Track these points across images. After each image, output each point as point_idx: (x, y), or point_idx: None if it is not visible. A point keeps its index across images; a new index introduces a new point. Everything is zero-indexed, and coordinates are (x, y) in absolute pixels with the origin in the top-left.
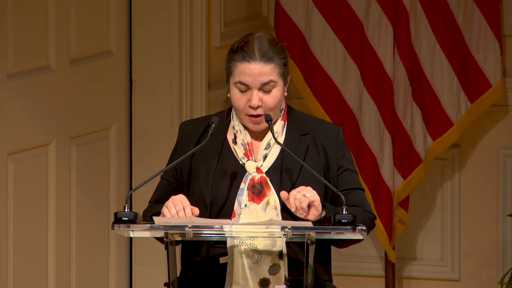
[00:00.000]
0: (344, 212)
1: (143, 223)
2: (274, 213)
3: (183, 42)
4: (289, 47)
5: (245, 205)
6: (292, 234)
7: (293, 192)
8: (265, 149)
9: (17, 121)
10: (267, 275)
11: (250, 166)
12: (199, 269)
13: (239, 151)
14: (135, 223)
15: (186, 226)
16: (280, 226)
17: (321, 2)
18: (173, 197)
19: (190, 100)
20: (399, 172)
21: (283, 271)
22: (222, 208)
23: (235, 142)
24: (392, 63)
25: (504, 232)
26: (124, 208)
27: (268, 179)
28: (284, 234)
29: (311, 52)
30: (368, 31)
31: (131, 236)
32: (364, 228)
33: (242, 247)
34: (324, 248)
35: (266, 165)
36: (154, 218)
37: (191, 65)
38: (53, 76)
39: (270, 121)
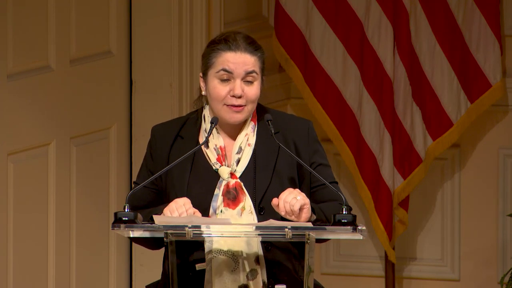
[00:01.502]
0: (344, 212)
1: (143, 223)
2: (250, 218)
3: (183, 42)
4: (289, 47)
5: (221, 211)
6: (292, 234)
7: (283, 195)
8: (237, 153)
9: (17, 121)
10: (245, 281)
11: (223, 171)
12: (178, 274)
13: (211, 156)
14: (135, 223)
15: (186, 226)
16: (254, 227)
17: (321, 2)
18: (176, 200)
19: (190, 100)
20: (399, 172)
21: (261, 276)
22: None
23: (207, 146)
24: (392, 63)
25: (504, 232)
26: (124, 208)
27: (242, 184)
28: (283, 234)
29: (311, 52)
30: (368, 31)
31: (131, 236)
32: (364, 228)
33: (219, 255)
34: (302, 244)
35: (240, 169)
36: (154, 217)
37: (191, 65)
38: (53, 76)
39: (270, 121)
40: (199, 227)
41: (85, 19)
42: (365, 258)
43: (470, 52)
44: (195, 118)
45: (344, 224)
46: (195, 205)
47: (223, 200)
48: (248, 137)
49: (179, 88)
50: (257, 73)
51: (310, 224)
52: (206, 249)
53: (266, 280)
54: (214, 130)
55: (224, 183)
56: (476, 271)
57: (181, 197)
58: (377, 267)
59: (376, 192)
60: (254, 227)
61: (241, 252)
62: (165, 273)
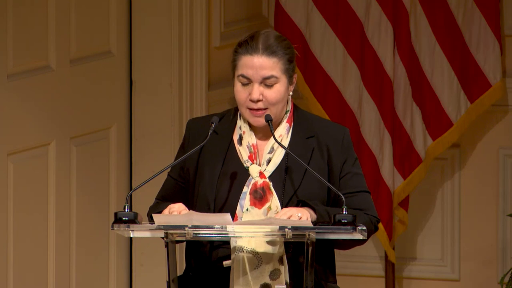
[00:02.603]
0: (344, 212)
1: (143, 223)
2: None
3: (183, 42)
4: None
5: (247, 209)
6: (292, 234)
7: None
8: (269, 153)
9: (17, 121)
10: (268, 281)
11: (253, 170)
12: (202, 271)
13: (243, 153)
14: (135, 223)
15: (186, 226)
16: (278, 227)
17: (321, 2)
18: (171, 206)
19: (190, 100)
20: (399, 172)
21: (284, 276)
22: (224, 211)
23: (240, 143)
24: (392, 63)
25: (504, 232)
26: (124, 208)
27: (270, 184)
28: (283, 234)
29: (311, 52)
30: (368, 31)
31: (131, 236)
32: (364, 228)
33: (243, 253)
34: (326, 249)
35: (270, 169)
36: (154, 216)
37: (191, 65)
38: (53, 76)
39: (270, 121)
40: (199, 227)
41: (85, 19)
42: (365, 258)
43: (470, 52)
44: (231, 114)
45: (344, 224)
46: (223, 201)
47: (250, 199)
48: (282, 138)
49: (179, 88)
50: (276, 77)
51: (310, 224)
52: (232, 246)
53: (288, 281)
54: (248, 128)
55: (252, 181)
56: (476, 271)
57: (211, 193)
58: (377, 267)
59: (376, 192)
60: (255, 225)
61: (265, 251)
62: (188, 268)
